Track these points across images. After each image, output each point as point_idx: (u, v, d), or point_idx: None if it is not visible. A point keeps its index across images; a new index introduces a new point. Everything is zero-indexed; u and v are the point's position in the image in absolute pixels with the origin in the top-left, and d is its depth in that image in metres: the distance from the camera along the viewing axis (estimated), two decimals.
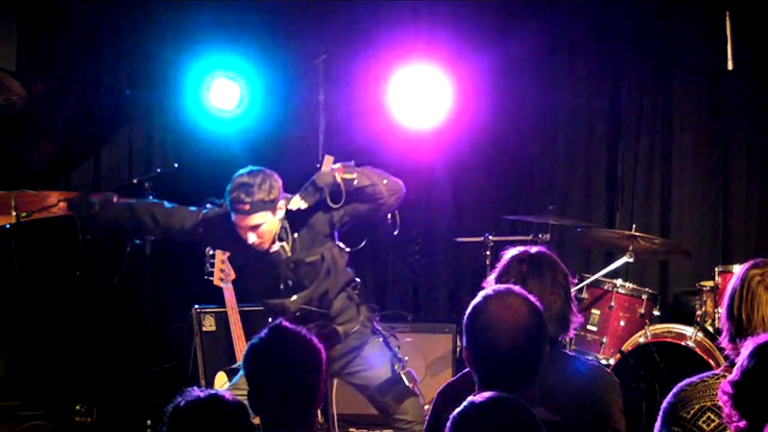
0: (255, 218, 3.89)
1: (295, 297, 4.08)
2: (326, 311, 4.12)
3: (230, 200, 3.90)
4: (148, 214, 4.18)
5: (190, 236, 4.20)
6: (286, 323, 2.44)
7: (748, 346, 2.28)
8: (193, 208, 4.18)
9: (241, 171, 3.95)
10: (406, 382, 4.08)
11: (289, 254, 4.04)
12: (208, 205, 4.19)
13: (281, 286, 4.08)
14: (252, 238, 3.93)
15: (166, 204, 4.22)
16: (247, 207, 3.86)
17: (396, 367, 4.12)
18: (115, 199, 4.28)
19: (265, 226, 3.93)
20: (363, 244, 4.24)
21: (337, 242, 4.16)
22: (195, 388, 2.16)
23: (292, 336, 2.39)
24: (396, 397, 4.10)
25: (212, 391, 2.16)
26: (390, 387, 4.10)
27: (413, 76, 5.56)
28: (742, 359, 2.27)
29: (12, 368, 6.37)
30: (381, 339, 4.21)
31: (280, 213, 3.98)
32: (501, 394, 2.06)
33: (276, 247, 4.02)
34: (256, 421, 2.42)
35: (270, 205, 3.91)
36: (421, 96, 5.53)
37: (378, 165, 6.15)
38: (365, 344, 4.18)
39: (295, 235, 4.06)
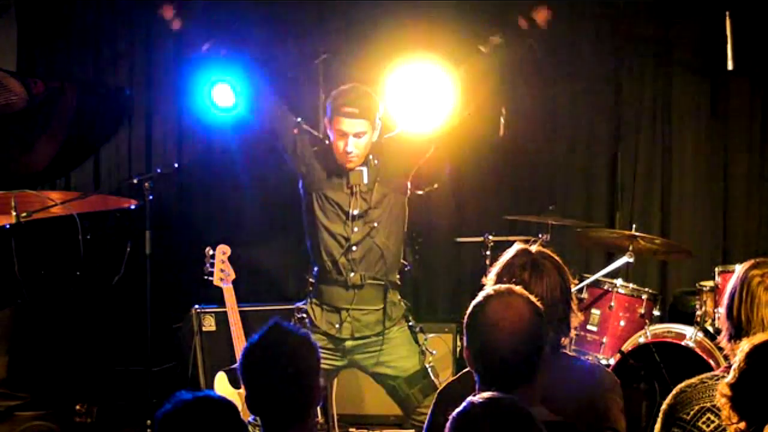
0: (361, 124, 3.99)
1: (357, 229, 4.13)
2: (382, 254, 4.17)
3: (337, 105, 4.00)
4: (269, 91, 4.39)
5: (283, 131, 4.29)
6: (281, 323, 2.44)
7: (744, 348, 2.28)
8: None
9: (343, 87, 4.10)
10: (432, 377, 4.12)
11: (365, 180, 4.10)
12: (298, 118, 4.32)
13: (348, 213, 4.12)
14: (351, 145, 4.00)
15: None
16: (357, 111, 3.96)
17: (427, 359, 4.18)
18: None
19: (365, 138, 4.02)
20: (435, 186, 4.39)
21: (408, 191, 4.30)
22: (183, 391, 2.16)
23: (288, 336, 2.39)
24: (423, 390, 4.14)
25: (200, 393, 2.16)
26: (419, 380, 4.15)
27: (413, 76, 5.55)
28: (738, 361, 2.27)
29: (12, 368, 6.38)
30: (409, 329, 4.26)
31: (376, 134, 4.08)
32: (501, 394, 2.06)
33: (357, 168, 4.09)
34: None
35: (374, 117, 4.03)
36: (420, 96, 5.52)
37: None
38: (396, 325, 4.22)
39: (376, 162, 4.13)
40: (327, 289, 4.24)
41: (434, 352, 4.29)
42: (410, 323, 4.28)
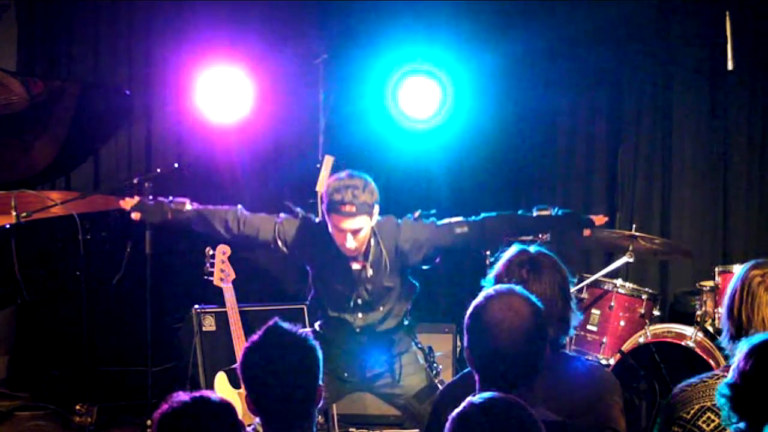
0: (359, 221, 3.86)
1: (361, 315, 4.09)
2: (387, 329, 4.16)
3: (333, 202, 3.84)
4: (220, 222, 4.18)
5: (267, 247, 4.16)
6: (281, 323, 2.43)
7: (742, 348, 2.27)
8: (267, 216, 4.15)
9: (339, 174, 3.92)
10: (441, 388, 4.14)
11: (370, 274, 4.02)
12: (282, 215, 4.15)
13: (352, 303, 4.07)
14: (350, 242, 3.89)
15: (242, 211, 4.18)
16: (354, 209, 3.82)
17: (433, 374, 4.20)
18: (187, 206, 4.23)
19: (364, 231, 3.91)
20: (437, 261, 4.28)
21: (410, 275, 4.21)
22: (180, 392, 2.16)
23: (288, 336, 2.39)
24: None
25: (197, 393, 2.16)
26: (428, 394, 4.13)
27: (413, 75, 5.56)
28: (737, 361, 2.27)
29: (13, 368, 6.38)
30: (419, 349, 4.27)
31: (375, 218, 3.97)
32: (501, 394, 2.06)
33: (357, 266, 4.00)
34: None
35: (371, 209, 3.90)
36: (421, 95, 5.53)
37: (378, 165, 6.18)
38: (405, 353, 4.23)
39: (382, 248, 4.02)
40: (335, 339, 4.19)
41: (440, 367, 4.31)
42: (419, 345, 4.28)
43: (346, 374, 4.18)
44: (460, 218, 4.17)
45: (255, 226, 4.13)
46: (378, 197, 3.93)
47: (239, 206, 4.22)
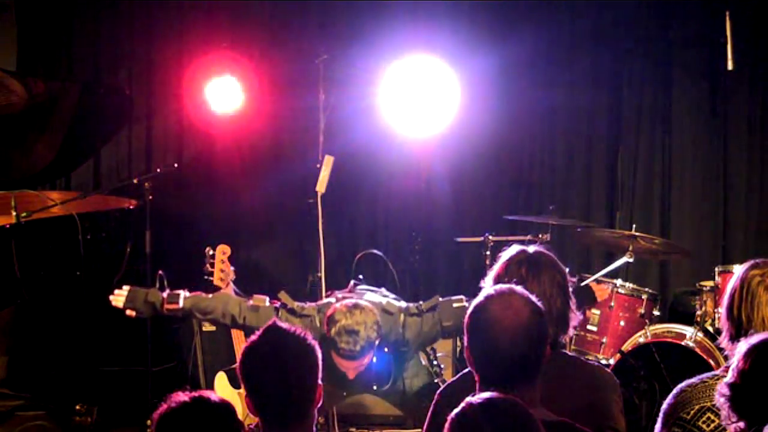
0: (360, 362, 3.82)
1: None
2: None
3: (336, 345, 3.74)
4: (212, 322, 4.15)
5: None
6: (280, 323, 2.43)
7: (741, 348, 2.27)
8: (265, 310, 4.00)
9: (341, 307, 3.77)
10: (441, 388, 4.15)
11: (375, 387, 4.10)
12: (277, 304, 4.05)
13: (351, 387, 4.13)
14: (353, 374, 3.88)
15: (240, 312, 4.01)
16: (356, 354, 3.77)
17: (433, 371, 4.24)
18: (181, 301, 4.00)
19: (366, 360, 3.87)
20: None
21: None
22: (180, 392, 2.16)
23: (287, 336, 2.39)
24: None
25: (197, 393, 2.16)
26: (428, 393, 4.13)
27: (413, 76, 5.56)
28: (736, 361, 2.27)
29: (12, 368, 6.38)
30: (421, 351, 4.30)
31: (378, 340, 3.90)
32: (500, 394, 2.06)
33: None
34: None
35: (373, 346, 3.82)
36: (420, 96, 5.53)
37: (378, 165, 6.20)
38: (408, 355, 4.24)
39: (384, 357, 4.03)
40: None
41: (443, 366, 4.32)
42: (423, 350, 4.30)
43: (344, 393, 4.22)
44: (463, 302, 4.07)
45: (255, 323, 4.00)
46: (381, 328, 3.84)
47: (240, 304, 4.04)
